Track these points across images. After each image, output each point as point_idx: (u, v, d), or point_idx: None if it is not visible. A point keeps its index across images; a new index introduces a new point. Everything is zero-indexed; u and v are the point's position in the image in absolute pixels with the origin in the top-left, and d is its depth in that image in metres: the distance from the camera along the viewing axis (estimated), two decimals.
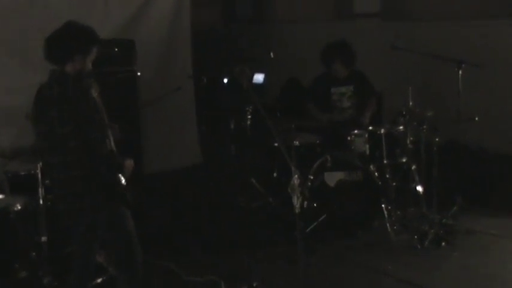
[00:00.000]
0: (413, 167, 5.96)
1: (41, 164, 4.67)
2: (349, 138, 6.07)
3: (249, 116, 6.71)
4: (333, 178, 5.79)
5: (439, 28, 8.17)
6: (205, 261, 5.40)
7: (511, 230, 5.76)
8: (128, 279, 4.06)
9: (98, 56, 4.01)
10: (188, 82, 7.73)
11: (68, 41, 3.86)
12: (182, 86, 6.75)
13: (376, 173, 5.86)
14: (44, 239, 4.79)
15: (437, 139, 5.63)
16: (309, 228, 5.60)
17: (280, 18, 11.11)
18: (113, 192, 3.84)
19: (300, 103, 6.77)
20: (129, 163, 3.96)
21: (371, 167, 5.88)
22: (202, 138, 8.36)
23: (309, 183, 5.75)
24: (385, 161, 5.94)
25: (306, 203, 5.61)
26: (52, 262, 4.83)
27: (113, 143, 3.94)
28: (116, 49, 6.52)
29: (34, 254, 4.88)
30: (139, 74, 6.71)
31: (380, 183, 5.82)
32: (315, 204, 5.73)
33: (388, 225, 5.67)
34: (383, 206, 5.73)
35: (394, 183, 5.97)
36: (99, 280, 4.79)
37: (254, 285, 4.81)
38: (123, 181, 3.87)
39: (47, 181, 4.66)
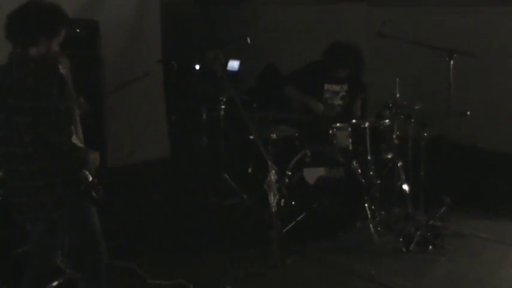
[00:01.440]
0: (399, 164, 6.00)
1: None
2: (330, 131, 6.09)
3: (223, 106, 6.70)
4: (312, 174, 5.82)
5: (429, 15, 8.23)
6: (173, 262, 5.39)
7: (502, 232, 5.83)
8: (90, 282, 4.03)
9: None
10: (157, 68, 7.70)
11: (32, 20, 3.73)
12: (151, 72, 6.73)
13: (359, 170, 5.89)
14: None
15: (425, 134, 5.67)
16: (286, 228, 5.62)
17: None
18: (77, 186, 3.82)
19: (279, 92, 6.77)
20: (95, 157, 3.93)
21: (354, 163, 5.91)
22: (172, 130, 8.33)
23: (287, 180, 5.77)
24: (369, 157, 5.96)
25: (283, 201, 5.62)
26: (1, 264, 4.78)
27: (80, 133, 3.91)
28: (78, 30, 6.47)
29: None
30: (103, 58, 6.67)
31: (363, 180, 5.85)
32: (293, 203, 5.75)
33: (371, 226, 5.71)
34: (366, 205, 5.76)
35: (378, 181, 6.01)
36: (54, 283, 4.73)
37: None
38: (88, 176, 3.85)
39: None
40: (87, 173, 3.85)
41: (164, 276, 5.04)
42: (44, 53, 3.77)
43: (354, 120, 6.10)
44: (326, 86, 6.54)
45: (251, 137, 6.31)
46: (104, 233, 4.02)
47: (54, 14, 3.81)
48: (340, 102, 6.57)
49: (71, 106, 3.87)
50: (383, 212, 6.01)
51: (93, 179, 3.87)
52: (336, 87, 6.54)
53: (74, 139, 3.88)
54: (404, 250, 5.50)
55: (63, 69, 3.79)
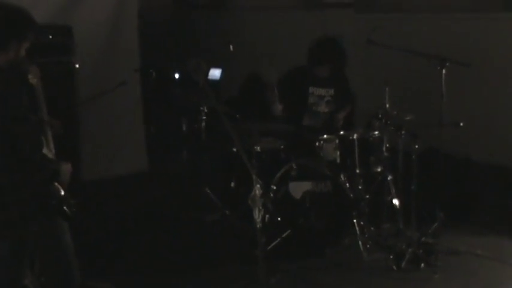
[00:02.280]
0: (390, 178, 6.01)
1: None
2: (317, 144, 6.09)
3: (204, 117, 6.69)
4: (298, 189, 5.81)
5: (420, 21, 8.26)
6: (151, 281, 5.37)
7: (499, 249, 5.84)
8: None
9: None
10: (134, 76, 7.68)
11: (1, 23, 3.71)
12: (127, 81, 6.70)
13: (347, 184, 5.88)
14: None
15: (416, 146, 5.67)
16: (271, 246, 5.60)
17: (241, 4, 11.11)
18: (47, 201, 3.78)
19: (263, 102, 6.77)
20: (67, 168, 3.90)
21: (341, 176, 5.90)
22: (150, 142, 8.31)
23: (272, 194, 5.75)
24: (357, 171, 5.96)
25: (268, 216, 5.61)
26: None
27: (52, 145, 3.88)
28: (50, 36, 6.44)
29: None
30: (77, 66, 6.65)
31: (351, 195, 5.84)
32: (278, 218, 5.74)
33: (360, 243, 5.70)
34: (355, 221, 5.76)
35: (367, 196, 6.00)
36: None
37: None
38: (60, 189, 3.81)
39: None
40: (59, 186, 3.82)
41: None
42: (13, 59, 3.75)
43: (341, 132, 6.10)
44: (311, 89, 6.55)
45: (234, 150, 6.29)
46: (76, 250, 3.98)
47: (21, 16, 3.79)
48: (326, 109, 6.57)
49: (41, 117, 3.84)
50: (372, 228, 6.00)
51: (65, 193, 3.83)
52: (322, 91, 6.55)
53: (45, 151, 3.85)
54: (395, 268, 5.49)
55: (33, 79, 3.77)
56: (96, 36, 7.49)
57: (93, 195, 7.04)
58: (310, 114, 6.57)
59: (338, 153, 6.03)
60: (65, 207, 3.83)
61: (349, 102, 6.69)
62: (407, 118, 5.77)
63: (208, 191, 6.76)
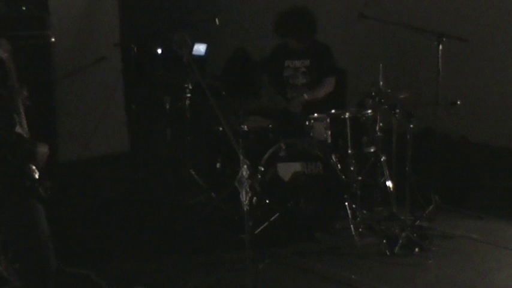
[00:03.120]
0: (383, 159, 6.03)
1: None
2: (307, 123, 6.09)
3: (188, 95, 6.67)
4: (287, 170, 5.81)
5: None
6: (132, 268, 5.36)
7: (495, 233, 5.87)
8: None
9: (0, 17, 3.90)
10: (114, 51, 7.64)
11: None
12: (107, 56, 6.67)
13: (338, 165, 5.89)
14: None
15: (411, 126, 5.68)
16: (258, 229, 5.61)
17: None
18: (21, 184, 3.77)
19: (249, 79, 6.78)
20: (43, 150, 3.88)
21: (333, 157, 5.91)
22: (131, 121, 8.27)
23: (260, 176, 5.75)
24: (349, 151, 5.97)
25: (255, 199, 5.59)
26: None
27: (24, 121, 3.86)
28: (24, 8, 6.39)
29: None
30: (53, 39, 6.59)
31: (343, 177, 5.85)
32: (266, 201, 5.74)
33: (352, 227, 5.72)
34: (346, 204, 5.77)
35: (359, 178, 6.03)
36: None
37: None
38: (35, 171, 3.80)
39: None
40: (33, 167, 3.80)
41: (122, 284, 5.00)
42: None
43: (332, 110, 6.09)
44: (287, 62, 6.61)
45: (220, 129, 6.29)
46: (53, 235, 3.97)
47: None
48: (304, 81, 6.58)
49: (13, 94, 3.81)
50: (365, 212, 6.03)
51: (40, 175, 3.82)
52: (297, 63, 6.59)
53: (18, 130, 3.83)
54: (388, 253, 5.51)
55: (3, 54, 3.74)
56: (73, 7, 7.44)
57: (70, 177, 7.03)
58: (290, 87, 6.58)
59: (329, 132, 6.02)
60: (40, 190, 3.82)
61: (331, 74, 6.64)
62: (402, 96, 5.78)
63: (193, 172, 6.75)
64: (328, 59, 6.67)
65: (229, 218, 5.97)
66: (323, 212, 5.81)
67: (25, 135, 3.90)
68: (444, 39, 5.82)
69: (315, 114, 6.09)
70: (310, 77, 6.59)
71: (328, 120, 6.03)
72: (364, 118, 5.98)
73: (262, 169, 5.80)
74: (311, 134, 6.08)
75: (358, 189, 5.97)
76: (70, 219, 6.08)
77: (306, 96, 6.45)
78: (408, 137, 5.69)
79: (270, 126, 6.35)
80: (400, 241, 5.56)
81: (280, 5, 6.74)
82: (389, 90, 5.83)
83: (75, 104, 7.50)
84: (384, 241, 5.61)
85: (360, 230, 5.79)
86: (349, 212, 5.76)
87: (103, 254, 5.60)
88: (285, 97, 6.57)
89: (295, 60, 6.61)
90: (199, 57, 9.71)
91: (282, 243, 5.68)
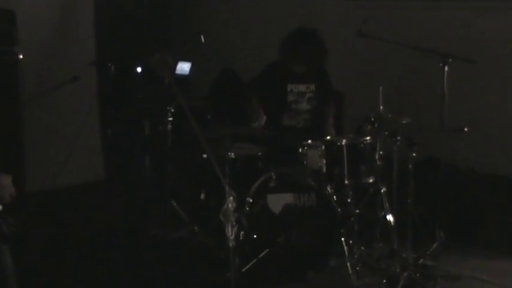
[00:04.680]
0: (383, 190, 6.03)
1: None
2: (300, 150, 6.11)
3: (170, 118, 6.69)
4: (278, 202, 5.81)
5: (419, 10, 8.31)
6: None
7: (505, 274, 5.87)
8: None
9: None
10: (89, 70, 7.65)
11: None
12: (81, 76, 6.68)
13: (334, 197, 5.90)
14: None
15: (414, 154, 5.70)
16: (246, 268, 5.60)
17: None
18: None
19: (238, 102, 6.80)
20: (5, 182, 3.87)
21: (328, 188, 5.92)
22: (107, 146, 8.28)
23: (247, 208, 5.76)
24: (346, 181, 5.98)
25: (242, 234, 5.61)
26: None
27: None
28: None
29: None
30: (21, 56, 6.61)
31: (339, 210, 5.86)
32: (254, 236, 5.74)
33: (348, 265, 5.71)
34: (342, 239, 5.77)
35: (357, 211, 6.03)
36: None
37: None
38: None
39: None
40: None
41: None
42: None
43: (328, 137, 6.12)
44: (289, 87, 6.62)
45: (204, 156, 6.29)
46: (19, 272, 3.96)
47: None
48: (308, 107, 6.62)
49: None
50: (363, 248, 6.02)
51: (3, 210, 3.81)
52: (301, 87, 6.60)
53: None
54: None
55: None
56: (44, 22, 7.45)
57: (39, 209, 7.01)
58: (290, 112, 6.60)
59: (324, 161, 6.03)
60: (3, 227, 3.81)
61: (330, 98, 6.72)
62: (404, 122, 5.80)
63: (175, 204, 6.74)
64: (329, 82, 6.72)
65: (213, 255, 5.95)
66: (317, 249, 5.80)
67: None
68: (450, 60, 5.83)
69: (309, 141, 6.11)
70: (315, 102, 6.63)
71: (323, 147, 6.04)
72: (362, 145, 5.99)
73: (251, 201, 5.80)
74: (304, 162, 6.09)
75: (355, 224, 5.97)
76: (38, 255, 6.06)
77: (332, 129, 6.54)
78: (410, 166, 5.71)
79: (260, 153, 6.37)
80: (402, 281, 5.56)
81: (270, 19, 6.78)
82: (389, 115, 5.86)
83: (45, 128, 7.48)
84: (384, 281, 5.61)
85: (358, 268, 5.77)
86: (345, 248, 5.75)
87: None
88: (278, 123, 6.58)
89: (299, 84, 6.63)
90: (182, 77, 9.74)
91: (271, 282, 5.66)
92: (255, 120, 6.50)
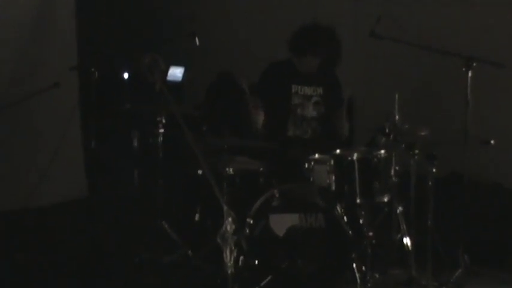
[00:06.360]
0: (399, 210, 6.03)
1: None
2: (306, 165, 6.10)
3: (161, 130, 6.69)
4: (282, 223, 5.81)
5: (439, 8, 8.31)
6: None
7: None
8: None
9: None
10: (70, 76, 7.66)
11: None
12: (61, 82, 6.68)
13: (344, 218, 5.90)
14: None
15: (434, 170, 5.70)
16: None
17: None
18: None
19: (236, 110, 6.79)
20: None
21: (338, 208, 5.92)
22: (90, 160, 8.28)
23: (248, 230, 5.75)
24: (358, 200, 5.97)
25: (242, 258, 5.61)
26: None
27: None
28: None
29: None
30: None
31: (350, 232, 5.86)
32: (255, 261, 5.73)
33: None
34: (354, 265, 5.77)
35: (370, 233, 6.02)
36: None
37: None
38: None
39: None
40: None
41: None
42: None
43: (337, 151, 6.11)
44: (294, 88, 6.64)
45: (199, 172, 6.29)
46: None
47: None
48: (314, 113, 6.62)
49: None
50: (377, 275, 6.01)
51: None
52: (307, 90, 6.62)
53: None
54: None
55: None
56: (20, 23, 7.46)
57: (12, 230, 7.00)
58: (295, 119, 6.60)
59: (333, 177, 6.03)
60: None
61: (340, 105, 6.72)
62: (422, 133, 5.80)
63: (166, 225, 6.73)
64: (339, 87, 6.73)
65: (209, 282, 5.94)
66: (325, 275, 5.80)
67: None
68: (474, 64, 5.83)
69: (316, 155, 6.11)
70: (323, 108, 6.63)
71: (331, 162, 6.04)
72: (375, 160, 5.98)
73: (251, 222, 5.80)
74: (311, 178, 6.09)
75: (368, 247, 5.96)
76: (13, 279, 6.05)
77: (346, 132, 6.59)
78: (430, 183, 5.71)
79: (261, 169, 6.36)
80: None
81: (272, 19, 6.78)
82: (406, 126, 5.85)
83: (20, 140, 7.48)
84: None
85: None
86: (357, 275, 5.74)
87: None
88: (282, 134, 6.58)
89: (304, 86, 6.64)
90: (175, 83, 9.75)
91: None
92: (254, 123, 6.49)
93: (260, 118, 6.47)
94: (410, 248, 5.96)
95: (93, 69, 6.90)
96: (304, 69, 6.61)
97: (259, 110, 6.50)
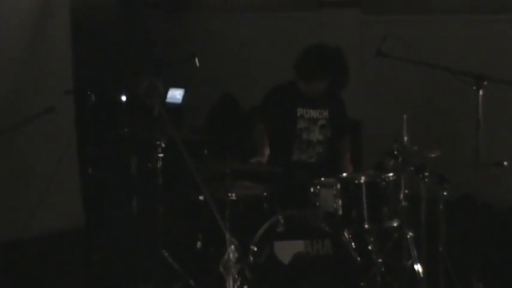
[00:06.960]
0: (410, 235, 6.01)
1: None
2: (312, 189, 6.10)
3: (161, 155, 6.68)
4: (287, 250, 5.79)
5: (447, 26, 8.34)
6: None
7: None
8: None
9: None
10: (66, 100, 7.67)
11: None
12: (57, 106, 6.69)
13: (352, 244, 5.89)
14: None
15: (445, 193, 5.69)
16: None
17: (211, 5, 11.17)
18: None
19: (239, 133, 6.80)
20: None
21: (345, 234, 5.91)
22: (87, 188, 8.27)
23: (252, 258, 5.74)
24: (366, 226, 5.97)
25: (246, 287, 5.60)
26: None
27: None
28: None
29: None
30: None
31: (358, 259, 5.84)
32: None
33: None
34: None
35: (379, 260, 6.01)
36: None
37: None
38: None
39: None
40: None
41: None
42: None
43: (344, 174, 6.10)
44: (299, 111, 6.64)
45: (201, 198, 6.29)
46: None
47: None
48: (320, 136, 6.62)
49: None
50: None
51: None
52: (313, 113, 6.62)
53: None
54: None
55: None
56: (14, 45, 7.48)
57: (8, 261, 6.99)
58: (301, 144, 6.60)
59: (340, 202, 6.02)
60: None
61: (346, 132, 6.73)
62: (433, 155, 5.79)
63: (166, 254, 6.73)
64: (344, 111, 6.74)
65: None
66: None
67: None
68: (485, 82, 5.83)
69: (322, 179, 6.10)
70: (329, 132, 6.63)
71: (338, 186, 6.03)
72: (384, 183, 5.98)
73: (255, 249, 5.79)
74: (317, 203, 6.09)
75: (378, 275, 5.95)
76: None
77: (349, 167, 6.59)
78: (441, 207, 5.69)
79: (265, 194, 6.36)
80: None
81: (275, 39, 6.80)
82: (416, 148, 5.85)
83: (14, 167, 7.49)
84: None
85: None
86: None
87: None
88: (287, 158, 6.58)
89: (310, 109, 6.64)
90: (175, 106, 9.78)
91: None
92: (258, 154, 6.50)
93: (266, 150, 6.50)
94: (421, 275, 5.93)
95: (89, 92, 6.92)
96: (310, 92, 6.61)
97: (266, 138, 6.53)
